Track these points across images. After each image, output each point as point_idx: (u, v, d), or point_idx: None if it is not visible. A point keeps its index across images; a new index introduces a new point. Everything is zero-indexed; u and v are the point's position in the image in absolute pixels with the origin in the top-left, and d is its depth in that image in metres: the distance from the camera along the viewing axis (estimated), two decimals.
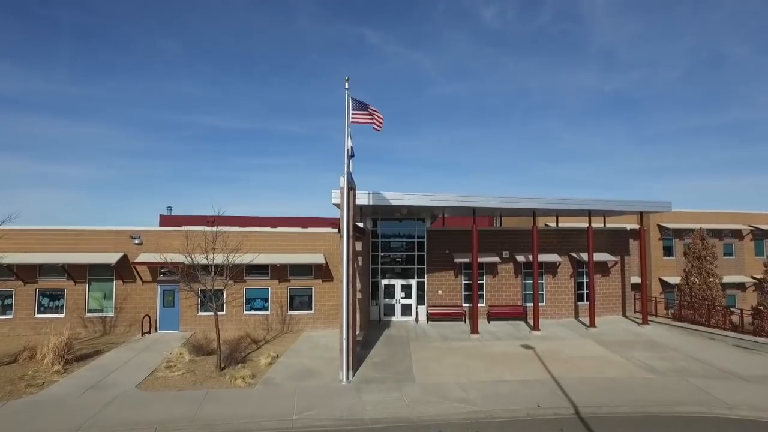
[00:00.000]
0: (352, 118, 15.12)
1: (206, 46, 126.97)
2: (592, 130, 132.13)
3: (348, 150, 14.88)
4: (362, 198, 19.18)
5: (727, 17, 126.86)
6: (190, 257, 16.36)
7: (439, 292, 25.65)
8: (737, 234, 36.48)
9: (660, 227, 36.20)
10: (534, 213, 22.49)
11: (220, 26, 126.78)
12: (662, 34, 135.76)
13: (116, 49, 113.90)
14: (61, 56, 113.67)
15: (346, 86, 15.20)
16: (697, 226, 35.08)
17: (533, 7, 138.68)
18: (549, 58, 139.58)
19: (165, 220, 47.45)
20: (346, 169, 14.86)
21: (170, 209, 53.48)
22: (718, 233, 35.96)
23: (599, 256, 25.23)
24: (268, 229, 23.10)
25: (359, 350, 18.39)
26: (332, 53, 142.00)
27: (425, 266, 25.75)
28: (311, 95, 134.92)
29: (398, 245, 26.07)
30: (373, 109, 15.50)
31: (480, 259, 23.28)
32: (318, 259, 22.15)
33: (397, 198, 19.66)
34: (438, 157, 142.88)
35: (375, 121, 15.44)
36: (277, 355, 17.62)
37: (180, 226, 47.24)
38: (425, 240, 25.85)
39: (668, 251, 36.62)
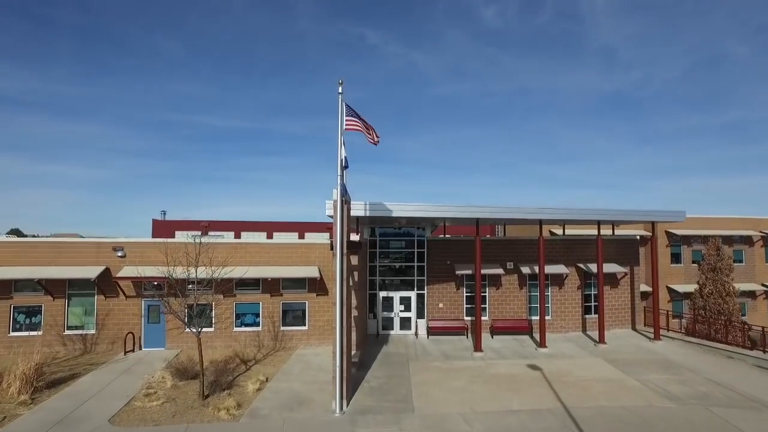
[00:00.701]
0: (346, 124, 13.90)
1: (206, 46, 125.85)
2: (592, 129, 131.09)
3: (341, 160, 13.65)
4: (358, 209, 18.00)
5: (728, 17, 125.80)
6: (171, 274, 15.11)
7: (440, 305, 24.44)
8: (747, 240, 35.31)
9: (668, 233, 34.98)
10: (540, 223, 21.28)
11: (221, 26, 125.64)
12: (662, 33, 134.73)
13: (116, 50, 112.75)
14: (61, 56, 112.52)
15: (339, 90, 13.99)
16: (706, 232, 33.94)
17: (533, 7, 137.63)
18: (549, 57, 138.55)
19: (158, 225, 46.29)
20: (339, 181, 13.64)
21: (164, 213, 52.41)
22: (727, 239, 34.78)
23: (608, 267, 24.02)
24: (260, 240, 21.85)
25: (354, 372, 17.17)
26: (332, 53, 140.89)
27: (425, 277, 24.55)
28: (311, 95, 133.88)
29: (397, 256, 24.85)
30: (368, 124, 14.29)
31: (483, 271, 22.08)
32: (312, 272, 20.92)
33: (396, 209, 18.45)
34: (437, 156, 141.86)
35: (371, 134, 14.24)
36: (267, 379, 16.40)
37: (173, 231, 46.17)
38: (425, 250, 24.63)
39: (676, 258, 35.50)
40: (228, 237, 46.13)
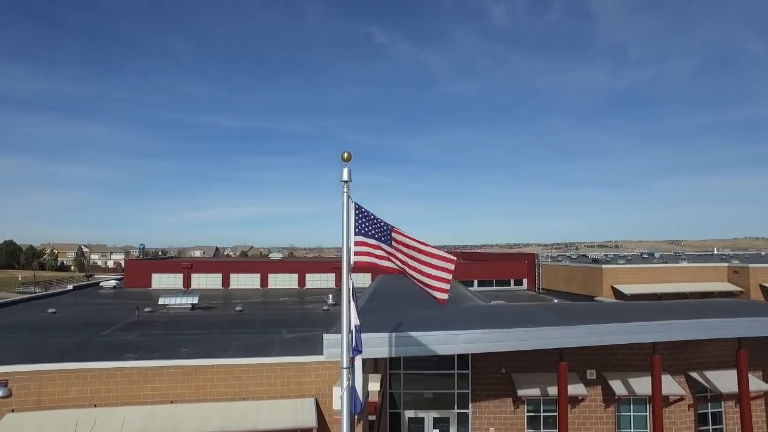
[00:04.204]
0: (356, 254, 6.51)
1: (214, 45, 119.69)
2: (600, 129, 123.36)
3: (350, 332, 6.29)
4: (379, 345, 10.78)
5: (739, 14, 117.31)
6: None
7: (491, 430, 17.12)
8: None
9: (762, 288, 27.84)
10: (654, 348, 13.89)
11: (229, 27, 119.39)
12: (672, 31, 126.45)
13: (124, 49, 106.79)
14: (69, 56, 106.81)
15: (345, 176, 6.70)
16: None
17: (542, 5, 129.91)
18: (558, 56, 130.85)
19: (132, 268, 39.02)
20: (345, 383, 6.29)
21: (142, 248, 45.32)
22: None
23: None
24: (226, 361, 14.56)
25: None
26: (340, 52, 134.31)
27: (470, 391, 17.26)
28: (319, 94, 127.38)
29: (430, 361, 17.54)
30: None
31: (552, 390, 14.86)
32: (304, 414, 13.59)
33: (440, 341, 11.18)
34: (444, 155, 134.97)
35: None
36: None
37: (150, 274, 39.04)
38: (470, 353, 17.30)
39: None
40: (215, 280, 39.11)
